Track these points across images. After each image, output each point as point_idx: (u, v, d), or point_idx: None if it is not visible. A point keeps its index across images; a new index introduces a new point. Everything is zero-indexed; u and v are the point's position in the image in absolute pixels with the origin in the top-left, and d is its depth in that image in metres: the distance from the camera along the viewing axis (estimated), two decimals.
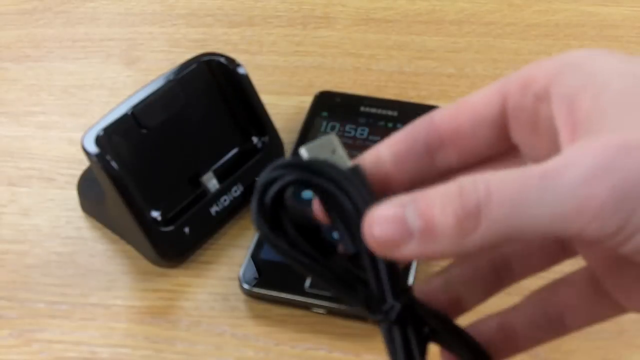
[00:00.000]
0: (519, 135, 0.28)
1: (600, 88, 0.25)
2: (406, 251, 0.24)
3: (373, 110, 0.53)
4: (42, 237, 0.48)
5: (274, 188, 0.26)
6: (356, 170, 0.27)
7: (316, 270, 0.27)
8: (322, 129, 0.52)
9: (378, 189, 0.27)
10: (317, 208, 0.28)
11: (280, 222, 0.26)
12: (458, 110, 0.29)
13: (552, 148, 0.26)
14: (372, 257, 0.26)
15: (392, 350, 0.26)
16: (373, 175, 0.28)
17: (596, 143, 0.23)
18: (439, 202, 0.24)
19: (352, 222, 0.26)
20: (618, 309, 0.29)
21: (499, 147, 0.29)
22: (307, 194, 0.48)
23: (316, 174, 0.26)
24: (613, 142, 0.23)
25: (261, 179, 0.26)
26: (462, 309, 0.31)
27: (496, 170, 0.24)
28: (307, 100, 0.54)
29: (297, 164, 0.26)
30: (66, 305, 0.45)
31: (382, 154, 0.29)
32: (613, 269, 0.28)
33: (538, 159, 0.27)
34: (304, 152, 0.28)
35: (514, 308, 0.31)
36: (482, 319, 0.31)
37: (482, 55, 0.59)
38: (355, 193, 0.26)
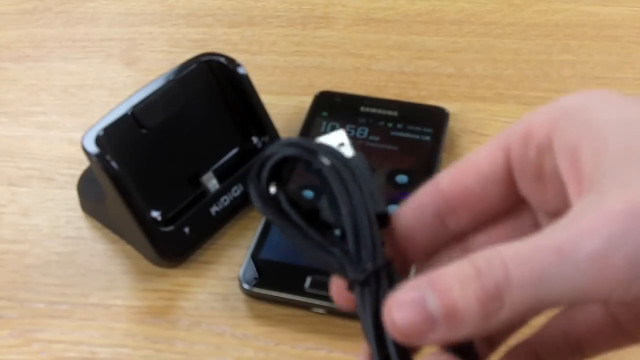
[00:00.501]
0: (526, 188, 0.28)
1: (600, 142, 0.25)
2: (433, 338, 0.24)
3: (373, 110, 0.53)
4: (42, 237, 0.48)
5: (273, 159, 0.28)
6: (358, 156, 0.28)
7: (297, 235, 0.28)
8: (322, 129, 0.52)
9: (396, 260, 0.27)
10: None
11: (274, 193, 0.28)
12: (462, 171, 0.29)
13: (561, 198, 0.27)
14: (355, 223, 0.27)
15: (360, 312, 0.26)
16: (390, 245, 0.28)
17: (604, 210, 0.24)
18: (457, 285, 0.24)
19: (340, 201, 0.27)
20: (637, 341, 0.29)
21: (509, 202, 0.29)
22: (307, 194, 0.48)
23: (313, 153, 0.28)
24: (619, 208, 0.23)
25: (264, 152, 0.28)
26: None
27: (508, 241, 0.24)
28: (307, 100, 0.54)
29: (298, 142, 0.28)
30: (66, 305, 0.45)
31: (394, 228, 0.29)
32: (637, 317, 0.29)
33: (548, 209, 0.28)
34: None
35: (536, 333, 0.31)
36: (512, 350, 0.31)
37: (482, 55, 0.59)
38: (349, 176, 0.27)
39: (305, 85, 0.57)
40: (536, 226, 0.29)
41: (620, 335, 0.29)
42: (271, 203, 0.28)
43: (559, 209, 0.26)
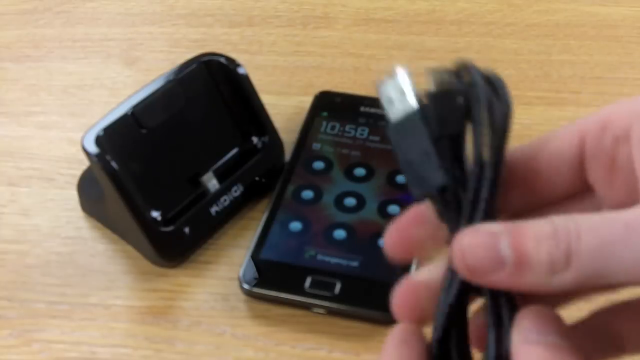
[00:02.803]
0: (596, 176, 0.29)
1: None
2: (495, 279, 0.25)
3: (373, 110, 0.53)
4: (42, 237, 0.48)
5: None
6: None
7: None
8: (322, 129, 0.52)
9: None
10: None
11: None
12: (534, 152, 0.29)
13: (630, 190, 0.27)
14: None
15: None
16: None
17: None
18: (533, 238, 0.25)
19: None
20: None
21: (575, 188, 0.29)
22: (306, 194, 0.48)
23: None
24: None
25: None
26: None
27: (580, 213, 0.25)
28: (307, 100, 0.54)
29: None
30: (66, 305, 0.45)
31: None
32: None
33: (614, 198, 0.28)
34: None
35: (577, 325, 0.31)
36: None
37: (482, 55, 0.59)
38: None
39: (305, 85, 0.57)
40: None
41: None
42: None
43: (626, 201, 0.27)
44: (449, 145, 0.27)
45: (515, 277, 0.25)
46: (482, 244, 0.25)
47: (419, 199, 0.28)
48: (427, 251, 0.29)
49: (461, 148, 0.27)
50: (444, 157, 0.27)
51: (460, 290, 0.27)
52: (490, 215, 0.26)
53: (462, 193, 0.27)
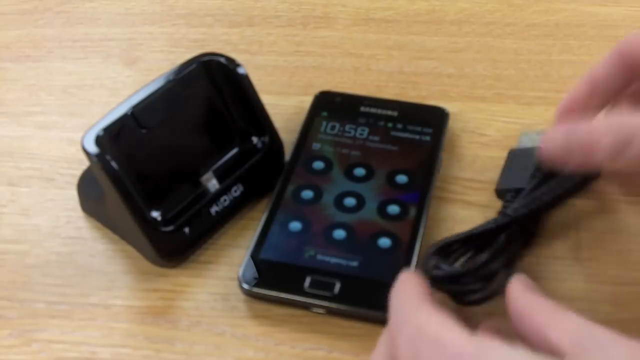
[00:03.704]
0: None
1: None
2: (571, 162, 0.36)
3: (373, 110, 0.53)
4: (42, 237, 0.48)
5: None
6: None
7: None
8: (322, 129, 0.52)
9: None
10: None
11: None
12: None
13: None
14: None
15: None
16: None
17: None
18: (601, 131, 0.35)
19: None
20: None
21: None
22: (306, 193, 0.48)
23: None
24: None
25: None
26: None
27: None
28: (307, 100, 0.54)
29: None
30: (66, 305, 0.45)
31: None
32: None
33: None
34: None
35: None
36: None
37: (482, 55, 0.59)
38: None
39: (305, 85, 0.57)
40: None
41: None
42: None
43: None
44: None
45: (587, 158, 0.35)
46: (558, 134, 0.37)
47: None
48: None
49: None
50: None
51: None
52: None
53: None
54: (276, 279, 0.44)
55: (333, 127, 0.52)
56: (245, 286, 0.44)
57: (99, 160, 0.42)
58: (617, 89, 0.42)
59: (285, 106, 0.55)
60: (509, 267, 0.40)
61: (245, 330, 0.43)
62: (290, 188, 0.48)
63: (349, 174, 0.49)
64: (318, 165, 0.50)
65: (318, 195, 0.48)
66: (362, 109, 0.53)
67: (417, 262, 0.44)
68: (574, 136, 0.36)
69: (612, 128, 0.35)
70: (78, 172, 0.50)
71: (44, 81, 0.58)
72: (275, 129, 0.50)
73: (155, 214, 0.45)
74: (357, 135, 0.51)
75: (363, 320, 0.43)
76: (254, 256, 0.45)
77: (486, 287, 0.39)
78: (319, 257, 0.45)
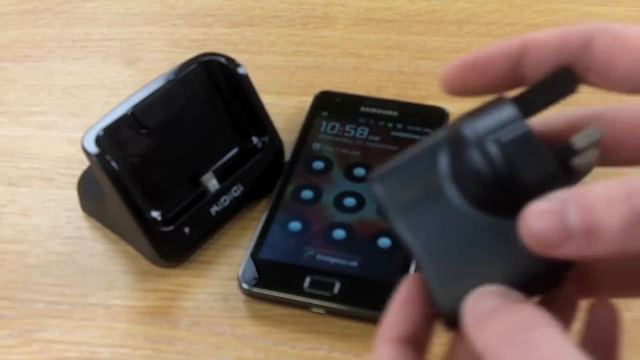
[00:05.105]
0: None
1: None
2: (565, 251, 0.24)
3: (373, 110, 0.53)
4: (42, 237, 0.48)
5: None
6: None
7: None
8: (322, 129, 0.52)
9: None
10: None
11: None
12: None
13: None
14: None
15: None
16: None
17: None
18: (604, 202, 0.23)
19: None
20: None
21: None
22: (306, 193, 0.48)
23: None
24: None
25: None
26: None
27: None
28: (307, 100, 0.54)
29: None
30: (66, 305, 0.45)
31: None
32: None
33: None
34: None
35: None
36: None
37: None
38: None
39: (305, 85, 0.57)
40: None
41: None
42: None
43: None
44: None
45: (585, 246, 0.23)
46: (548, 211, 0.24)
47: None
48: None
49: None
50: None
51: None
52: None
53: None
54: (276, 279, 0.44)
55: (333, 127, 0.52)
56: (245, 286, 0.44)
57: (99, 160, 0.42)
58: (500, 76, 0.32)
59: (285, 106, 0.55)
60: None
61: (245, 330, 0.43)
62: (290, 188, 0.48)
63: (348, 174, 0.49)
64: (318, 165, 0.50)
65: (318, 195, 0.48)
66: (362, 109, 0.53)
67: None
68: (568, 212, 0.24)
69: (619, 196, 0.24)
70: (78, 172, 0.50)
71: (44, 81, 0.58)
72: (275, 129, 0.50)
73: (155, 214, 0.45)
74: (357, 135, 0.51)
75: (362, 320, 0.43)
76: (254, 256, 0.45)
77: None
78: (319, 257, 0.45)
